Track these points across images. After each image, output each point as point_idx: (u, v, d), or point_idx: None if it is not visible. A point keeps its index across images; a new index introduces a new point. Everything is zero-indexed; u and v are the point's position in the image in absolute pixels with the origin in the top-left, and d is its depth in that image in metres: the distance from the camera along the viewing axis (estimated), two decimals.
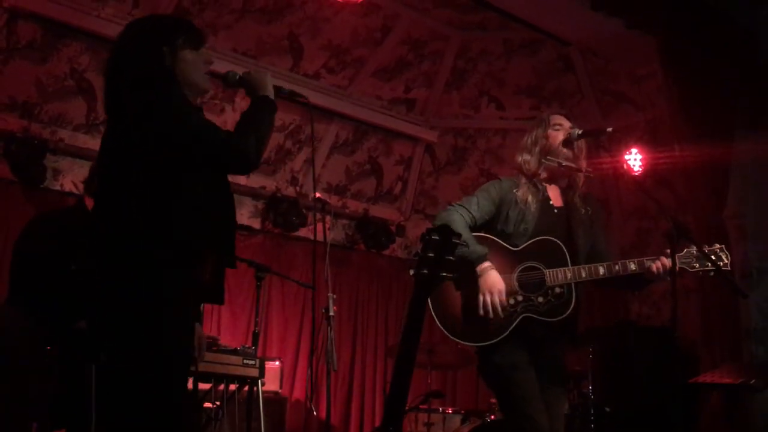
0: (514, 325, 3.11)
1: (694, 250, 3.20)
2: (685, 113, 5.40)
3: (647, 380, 5.82)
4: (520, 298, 3.13)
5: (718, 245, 3.22)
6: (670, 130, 5.79)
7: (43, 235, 3.42)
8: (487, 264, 3.11)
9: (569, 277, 3.13)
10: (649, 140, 6.72)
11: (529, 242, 3.20)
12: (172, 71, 2.53)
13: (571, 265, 3.15)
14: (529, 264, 3.17)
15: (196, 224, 2.44)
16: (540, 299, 3.14)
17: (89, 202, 3.52)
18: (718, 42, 5.36)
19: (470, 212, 3.23)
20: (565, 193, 3.36)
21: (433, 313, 3.10)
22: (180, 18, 2.71)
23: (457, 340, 3.15)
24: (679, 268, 3.15)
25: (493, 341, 3.11)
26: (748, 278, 5.44)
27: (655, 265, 3.13)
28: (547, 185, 3.34)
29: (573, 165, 3.27)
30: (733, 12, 5.48)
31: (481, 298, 3.08)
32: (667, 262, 3.11)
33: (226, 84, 2.71)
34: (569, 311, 3.12)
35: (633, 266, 3.16)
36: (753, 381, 4.31)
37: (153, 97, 2.43)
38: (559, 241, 3.19)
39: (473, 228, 3.23)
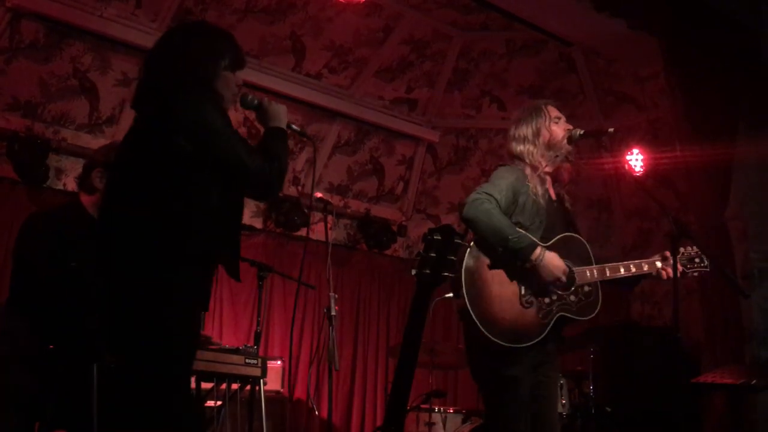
0: (551, 324, 3.05)
1: (689, 250, 3.34)
2: (688, 114, 5.40)
3: (649, 380, 5.83)
4: (554, 296, 3.07)
5: (692, 249, 3.35)
6: (672, 130, 5.79)
7: (40, 233, 3.41)
8: (540, 248, 3.00)
9: (595, 275, 3.14)
10: (650, 140, 6.72)
11: (557, 238, 3.15)
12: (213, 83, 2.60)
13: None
14: None
15: (208, 230, 2.45)
16: (572, 298, 3.10)
17: (84, 199, 3.51)
18: (721, 43, 5.36)
19: (497, 200, 3.07)
20: (555, 187, 3.35)
21: (469, 308, 2.95)
22: (231, 36, 2.73)
23: (497, 341, 2.96)
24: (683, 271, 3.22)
25: (534, 341, 3.00)
26: (749, 279, 5.44)
27: (665, 272, 3.22)
28: (547, 178, 3.31)
29: (572, 161, 3.28)
30: (736, 13, 5.48)
31: (560, 280, 3.02)
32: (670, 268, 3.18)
33: (242, 105, 2.78)
34: (597, 310, 3.12)
35: (646, 267, 3.24)
36: (755, 381, 4.31)
37: (195, 108, 2.46)
38: (583, 239, 3.20)
39: None
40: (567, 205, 3.34)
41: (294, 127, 2.89)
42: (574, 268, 3.12)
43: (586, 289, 3.14)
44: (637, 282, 3.35)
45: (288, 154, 2.67)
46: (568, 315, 3.09)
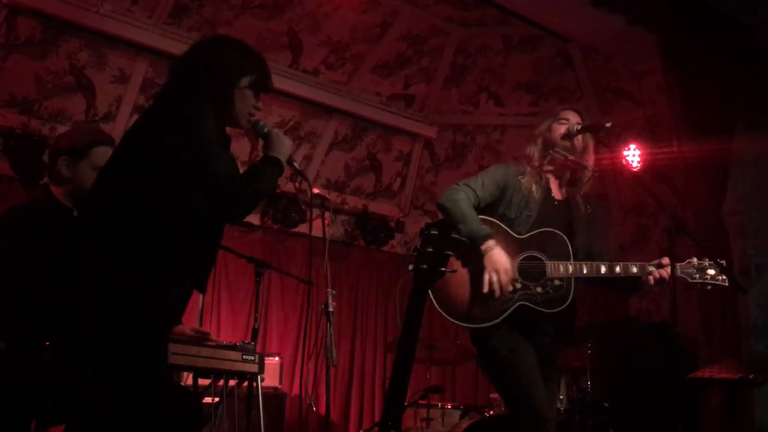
0: (509, 311, 3.11)
1: (695, 261, 3.22)
2: (685, 110, 5.41)
3: (646, 376, 5.83)
4: (518, 285, 3.13)
5: (719, 260, 3.23)
6: (669, 126, 5.79)
7: (28, 229, 3.36)
8: (491, 242, 3.10)
9: (570, 271, 3.14)
10: (648, 136, 6.72)
11: (534, 232, 3.20)
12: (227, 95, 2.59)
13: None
14: (531, 253, 3.17)
15: (185, 247, 2.45)
16: (538, 289, 3.14)
17: (54, 190, 3.45)
18: (718, 39, 5.36)
19: (475, 192, 3.23)
20: (566, 188, 3.37)
21: (430, 293, 3.03)
22: (264, 62, 2.73)
23: (452, 320, 3.13)
24: (679, 277, 3.17)
25: (486, 324, 3.11)
26: (747, 274, 5.45)
27: (652, 276, 3.15)
28: (550, 177, 3.35)
29: (579, 161, 3.27)
30: (735, 11, 5.48)
31: (486, 276, 3.07)
32: (665, 273, 3.13)
33: (253, 129, 2.79)
34: (565, 305, 3.12)
35: (635, 269, 3.17)
36: (752, 376, 4.33)
37: (191, 113, 2.46)
38: (564, 235, 3.20)
39: (476, 209, 3.24)
40: (582, 209, 3.33)
41: (294, 164, 2.92)
42: (547, 261, 3.15)
43: (557, 283, 3.15)
44: (633, 288, 3.32)
45: (274, 184, 2.68)
46: (530, 305, 3.12)
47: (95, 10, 5.62)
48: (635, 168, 6.45)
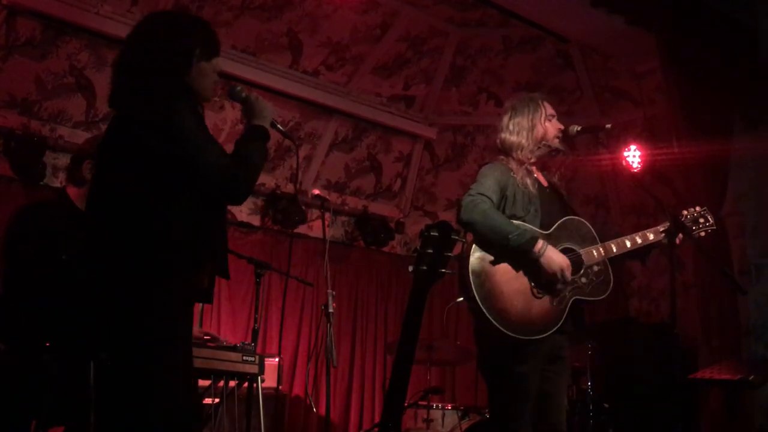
0: (567, 310, 3.07)
1: (684, 212, 3.37)
2: (685, 110, 5.41)
3: (646, 377, 5.83)
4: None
5: (698, 207, 3.39)
6: (669, 127, 5.79)
7: (32, 229, 3.37)
8: (541, 242, 3.01)
9: (603, 254, 3.17)
10: (647, 137, 6.72)
11: (556, 225, 3.17)
12: (186, 77, 2.55)
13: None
14: (563, 246, 3.14)
15: (193, 237, 2.45)
16: (583, 280, 3.13)
17: (71, 191, 3.47)
18: (718, 39, 5.37)
19: (490, 198, 3.11)
20: (544, 174, 3.38)
21: (483, 309, 2.95)
22: (202, 23, 2.66)
23: (519, 336, 2.97)
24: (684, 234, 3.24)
25: (551, 332, 3.03)
26: (746, 275, 5.46)
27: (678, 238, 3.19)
28: (533, 168, 3.33)
29: (560, 147, 3.31)
30: (734, 11, 5.49)
31: (560, 277, 3.01)
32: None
33: (230, 96, 2.76)
34: (611, 288, 3.15)
35: (651, 236, 3.27)
36: (752, 377, 4.32)
37: (165, 107, 2.43)
38: (584, 220, 3.22)
39: None
40: (562, 190, 3.37)
41: (279, 126, 2.83)
42: (579, 251, 3.14)
43: (596, 269, 3.16)
44: (647, 254, 3.38)
45: (264, 157, 2.60)
46: (582, 298, 3.11)
47: (95, 11, 5.62)
48: (635, 169, 6.44)
